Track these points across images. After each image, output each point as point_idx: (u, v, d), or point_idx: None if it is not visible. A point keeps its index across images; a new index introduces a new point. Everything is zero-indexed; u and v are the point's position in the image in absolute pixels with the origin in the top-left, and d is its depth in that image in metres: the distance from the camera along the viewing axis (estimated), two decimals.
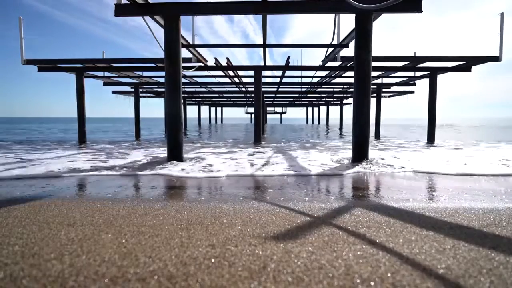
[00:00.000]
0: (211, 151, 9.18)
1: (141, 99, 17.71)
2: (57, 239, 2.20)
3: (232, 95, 22.61)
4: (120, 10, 6.08)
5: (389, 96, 21.35)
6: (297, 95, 23.28)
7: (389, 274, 1.67)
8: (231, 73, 12.61)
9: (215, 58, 10.43)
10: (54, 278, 1.63)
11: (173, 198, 3.57)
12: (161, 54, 7.19)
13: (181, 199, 3.54)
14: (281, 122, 54.57)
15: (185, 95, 21.78)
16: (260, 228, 2.43)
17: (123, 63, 10.56)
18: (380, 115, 17.13)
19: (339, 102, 28.13)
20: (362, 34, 6.30)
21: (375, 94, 16.70)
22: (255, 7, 6.15)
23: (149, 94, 21.30)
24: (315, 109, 42.78)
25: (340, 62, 10.11)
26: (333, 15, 7.72)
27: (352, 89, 17.99)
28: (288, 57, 10.39)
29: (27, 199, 3.44)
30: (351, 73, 11.97)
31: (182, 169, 5.67)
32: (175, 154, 6.72)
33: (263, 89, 17.88)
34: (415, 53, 10.05)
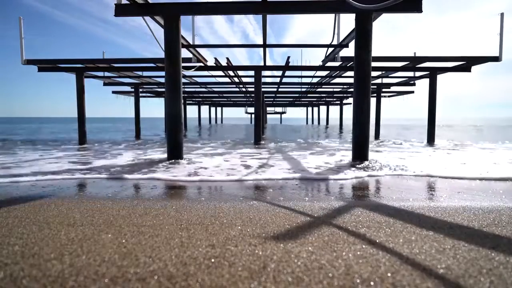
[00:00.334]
0: (211, 152, 9.18)
1: (141, 99, 17.72)
2: (57, 239, 2.20)
3: (232, 95, 22.61)
4: (120, 10, 6.09)
5: (389, 96, 21.35)
6: (297, 95, 23.29)
7: (389, 274, 1.67)
8: (231, 73, 12.61)
9: (215, 58, 10.44)
10: (54, 278, 1.63)
11: (173, 198, 3.57)
12: (161, 54, 7.20)
13: (181, 199, 3.54)
14: (281, 122, 54.56)
15: (185, 95, 21.79)
16: (260, 228, 2.43)
17: (123, 63, 10.56)
18: (380, 115, 17.14)
19: (339, 102, 28.13)
20: (362, 34, 6.30)
21: (375, 94, 16.70)
22: (255, 7, 6.15)
23: (149, 94, 21.30)
24: (315, 109, 42.78)
25: (340, 62, 10.11)
26: (333, 15, 7.72)
27: (352, 89, 17.99)
28: (288, 57, 10.39)
29: (27, 199, 3.44)
30: (351, 73, 11.97)
31: (181, 171, 5.66)
32: (175, 154, 6.73)
33: (263, 89, 17.88)
34: (415, 53, 10.05)
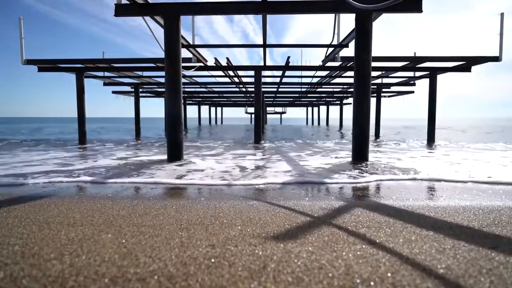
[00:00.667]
0: (211, 152, 9.18)
1: (141, 99, 17.73)
2: (57, 239, 2.20)
3: (232, 95, 22.62)
4: (120, 10, 6.09)
5: (389, 96, 21.36)
6: (297, 95, 23.29)
7: (389, 274, 1.67)
8: (231, 73, 12.61)
9: (215, 58, 10.44)
10: (54, 278, 1.63)
11: (173, 198, 3.56)
12: (161, 54, 7.20)
13: (181, 199, 3.54)
14: (281, 122, 54.57)
15: (185, 95, 21.79)
16: (260, 228, 2.43)
17: (123, 63, 10.56)
18: (380, 115, 17.15)
19: (339, 102, 28.14)
20: (362, 34, 6.30)
21: (375, 94, 16.71)
22: (255, 7, 6.15)
23: (149, 94, 21.31)
24: (315, 109, 42.80)
25: (340, 62, 10.11)
26: (333, 15, 7.72)
27: (352, 89, 17.99)
28: (288, 57, 10.39)
29: (27, 199, 3.44)
30: (351, 73, 11.97)
31: (180, 174, 5.65)
32: (176, 155, 6.73)
33: (263, 89, 17.89)
34: (415, 53, 10.05)
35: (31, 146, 10.53)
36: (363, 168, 5.82)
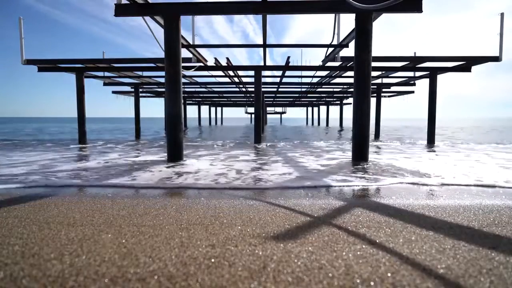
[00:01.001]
0: (210, 153, 9.18)
1: (141, 99, 17.72)
2: (57, 239, 2.20)
3: (232, 95, 22.61)
4: (120, 10, 6.09)
5: (389, 96, 21.35)
6: (297, 95, 23.28)
7: (389, 274, 1.67)
8: (231, 73, 12.60)
9: (215, 58, 10.44)
10: (54, 278, 1.63)
11: (173, 198, 3.56)
12: (161, 54, 7.20)
13: (181, 199, 3.54)
14: (281, 122, 54.56)
15: (185, 95, 21.78)
16: (260, 228, 2.43)
17: (123, 63, 10.56)
18: (380, 115, 17.14)
19: (339, 102, 28.13)
20: (362, 34, 6.30)
21: (375, 94, 16.70)
22: (255, 7, 6.15)
23: (149, 94, 21.30)
24: (315, 109, 42.80)
25: (340, 62, 10.10)
26: (333, 15, 7.72)
27: (352, 89, 17.99)
28: (288, 57, 10.39)
29: (27, 199, 3.44)
30: (351, 73, 11.97)
31: (179, 175, 5.65)
32: (176, 155, 6.72)
33: (263, 89, 17.88)
34: (415, 53, 10.05)
35: (34, 146, 10.53)
36: (363, 168, 5.82)
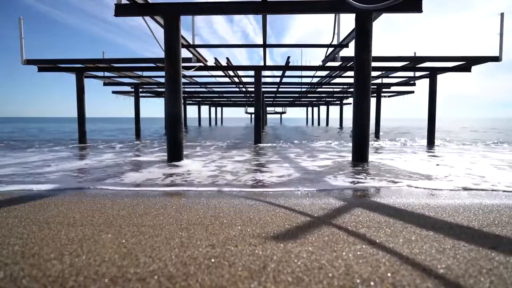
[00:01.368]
0: (210, 153, 9.18)
1: (141, 99, 17.73)
2: (57, 239, 2.20)
3: (232, 95, 22.61)
4: (120, 10, 6.09)
5: (389, 96, 21.35)
6: (297, 95, 23.29)
7: (389, 274, 1.67)
8: (231, 73, 12.60)
9: (215, 58, 10.44)
10: (54, 278, 1.63)
11: (173, 199, 3.56)
12: (161, 54, 7.20)
13: (181, 199, 3.54)
14: (281, 122, 54.57)
15: (185, 95, 21.79)
16: (260, 228, 2.43)
17: (123, 63, 10.56)
18: (380, 115, 17.15)
19: (339, 102, 28.14)
20: (362, 34, 6.30)
21: (375, 94, 16.71)
22: (255, 7, 6.15)
23: (149, 94, 21.30)
24: (315, 109, 42.80)
25: (340, 62, 10.10)
26: (333, 15, 7.72)
27: (352, 89, 17.99)
28: (288, 57, 10.39)
29: (27, 199, 3.44)
30: (351, 73, 11.97)
31: (179, 176, 5.65)
32: (176, 155, 6.72)
33: (263, 89, 17.88)
34: (415, 53, 10.05)
35: (36, 146, 10.54)
36: (362, 169, 5.82)
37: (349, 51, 10.47)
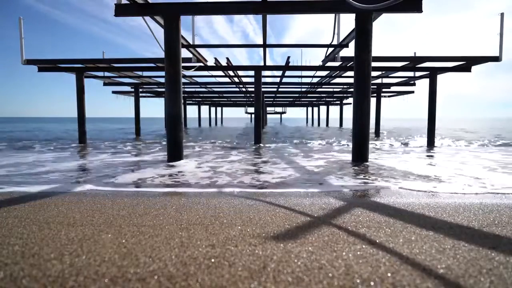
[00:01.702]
0: (210, 154, 9.19)
1: (141, 99, 17.73)
2: (57, 239, 2.20)
3: (232, 95, 22.62)
4: (120, 10, 6.09)
5: (389, 96, 21.34)
6: (297, 95, 23.29)
7: (389, 274, 1.67)
8: (231, 73, 12.60)
9: (215, 58, 10.43)
10: (54, 278, 1.63)
11: (173, 198, 3.56)
12: (161, 54, 7.20)
13: (181, 199, 3.54)
14: (281, 122, 54.58)
15: (185, 95, 21.78)
16: (260, 228, 2.43)
17: (123, 63, 10.56)
18: (380, 115, 17.16)
19: (339, 102, 28.14)
20: (362, 34, 6.30)
21: (375, 94, 16.71)
22: (255, 7, 6.15)
23: (149, 94, 21.30)
24: (315, 109, 42.80)
25: (340, 62, 10.10)
26: (333, 15, 7.72)
27: (352, 89, 17.99)
28: (288, 57, 10.39)
29: (27, 199, 3.44)
30: (351, 73, 11.97)
31: (179, 177, 5.64)
32: (175, 155, 6.72)
33: (263, 89, 17.88)
34: (415, 53, 10.05)
35: (37, 146, 10.54)
36: (362, 168, 5.82)
37: (349, 51, 10.48)
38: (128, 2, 5.93)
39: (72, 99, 12.44)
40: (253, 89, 16.86)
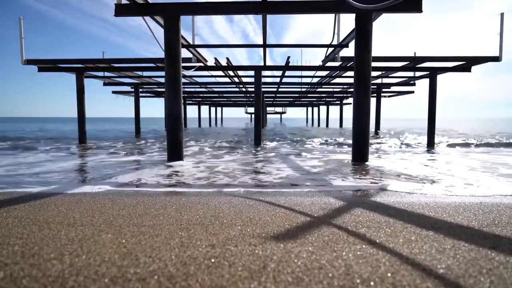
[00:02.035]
0: (210, 153, 9.19)
1: (141, 99, 17.73)
2: (57, 239, 2.20)
3: (232, 95, 22.62)
4: (120, 10, 6.08)
5: (389, 96, 21.35)
6: (297, 95, 23.29)
7: (389, 274, 1.67)
8: (231, 73, 12.60)
9: (215, 58, 10.43)
10: (54, 278, 1.63)
11: (173, 198, 3.56)
12: (161, 54, 7.20)
13: (181, 199, 3.54)
14: (281, 122, 54.59)
15: (185, 95, 21.78)
16: (260, 228, 2.42)
17: (123, 63, 10.56)
18: (380, 115, 17.16)
19: (339, 102, 28.13)
20: (362, 34, 6.30)
21: (375, 94, 16.71)
22: (255, 7, 6.15)
23: (149, 94, 21.30)
24: (315, 109, 42.80)
25: (340, 62, 10.10)
26: (333, 15, 7.72)
27: (352, 89, 17.99)
28: (288, 57, 10.39)
29: (27, 199, 3.44)
30: (351, 73, 11.97)
31: (179, 177, 5.64)
32: (176, 154, 6.72)
33: (263, 89, 17.88)
34: (415, 53, 10.05)
35: (39, 146, 10.54)
36: (362, 168, 5.82)
37: (349, 51, 10.49)
38: (128, 2, 5.93)
39: (72, 99, 12.45)
40: (253, 89, 16.86)
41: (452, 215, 2.79)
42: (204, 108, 60.55)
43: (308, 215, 2.79)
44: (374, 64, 9.88)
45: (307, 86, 17.08)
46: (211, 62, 10.81)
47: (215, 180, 4.77)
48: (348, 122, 27.06)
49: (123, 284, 1.57)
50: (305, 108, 45.57)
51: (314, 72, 12.50)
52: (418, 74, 13.01)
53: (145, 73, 13.07)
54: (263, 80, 14.53)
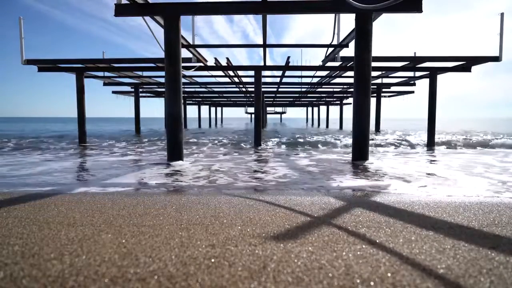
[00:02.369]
0: (210, 153, 9.19)
1: (141, 99, 17.73)
2: (57, 239, 2.20)
3: (232, 95, 22.62)
4: (120, 10, 6.08)
5: (389, 96, 21.35)
6: (297, 95, 23.28)
7: (389, 274, 1.67)
8: (231, 73, 12.60)
9: (215, 58, 10.43)
10: (54, 278, 1.63)
11: (173, 198, 3.56)
12: (161, 54, 7.20)
13: (181, 199, 3.54)
14: (281, 122, 54.60)
15: (185, 95, 21.78)
16: (260, 228, 2.42)
17: (123, 63, 10.56)
18: (380, 115, 17.17)
19: (339, 102, 28.13)
20: (362, 34, 6.30)
21: (375, 94, 16.71)
22: (255, 7, 6.15)
23: (149, 94, 21.30)
24: (315, 109, 42.80)
25: (340, 62, 10.10)
26: (333, 15, 7.72)
27: (352, 89, 17.99)
28: (288, 57, 10.39)
29: (27, 199, 3.44)
30: (351, 73, 11.97)
31: (179, 177, 5.64)
32: (176, 155, 6.72)
33: (263, 89, 17.88)
34: (415, 53, 10.05)
35: (40, 146, 10.54)
36: (362, 168, 5.82)
37: (349, 51, 10.49)
38: (128, 2, 5.93)
39: (72, 99, 12.45)
40: (253, 89, 16.86)
41: (452, 215, 2.79)
42: (204, 108, 60.55)
43: (308, 215, 2.79)
44: (374, 64, 9.88)
45: (307, 86, 17.08)
46: (211, 62, 10.81)
47: (215, 180, 4.77)
48: (348, 122, 27.06)
49: (123, 284, 1.57)
50: (305, 108, 45.57)
51: (314, 72, 12.50)
52: (418, 74, 13.01)
53: (145, 73, 13.08)
54: (263, 80, 14.53)
